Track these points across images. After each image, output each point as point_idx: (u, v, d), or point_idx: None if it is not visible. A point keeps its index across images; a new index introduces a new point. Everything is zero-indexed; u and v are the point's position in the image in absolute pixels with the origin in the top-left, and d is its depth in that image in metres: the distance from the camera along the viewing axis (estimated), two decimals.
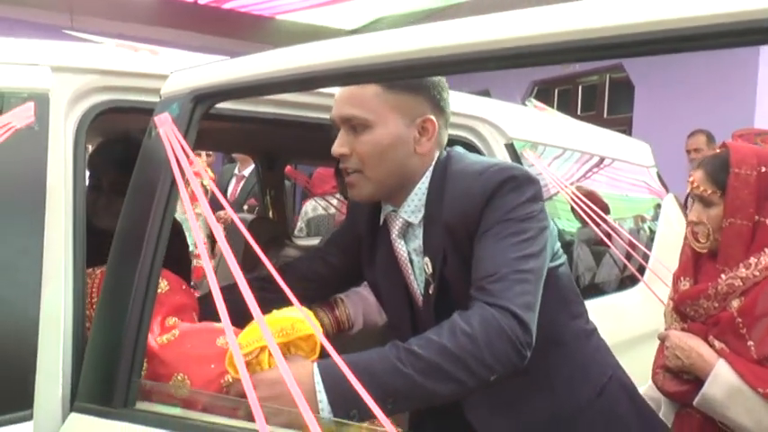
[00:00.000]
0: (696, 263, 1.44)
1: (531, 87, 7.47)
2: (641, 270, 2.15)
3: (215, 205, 4.41)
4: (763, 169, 1.32)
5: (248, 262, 2.43)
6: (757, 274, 1.29)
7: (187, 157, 1.03)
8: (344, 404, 0.95)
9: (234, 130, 2.39)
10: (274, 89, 1.07)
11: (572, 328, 1.29)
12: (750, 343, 1.28)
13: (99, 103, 1.20)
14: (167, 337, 1.12)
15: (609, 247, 2.05)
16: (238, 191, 4.09)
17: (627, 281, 2.29)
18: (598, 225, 1.95)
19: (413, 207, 1.23)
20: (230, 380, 1.04)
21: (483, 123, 1.75)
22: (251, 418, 0.95)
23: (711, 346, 1.35)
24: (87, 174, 1.53)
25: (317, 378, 0.97)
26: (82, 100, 1.18)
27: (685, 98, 5.56)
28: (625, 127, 6.35)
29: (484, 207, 1.13)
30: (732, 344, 1.31)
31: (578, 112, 7.05)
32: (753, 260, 1.31)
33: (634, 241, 2.19)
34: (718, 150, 1.42)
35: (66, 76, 1.15)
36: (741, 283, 1.31)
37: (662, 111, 5.75)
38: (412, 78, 1.18)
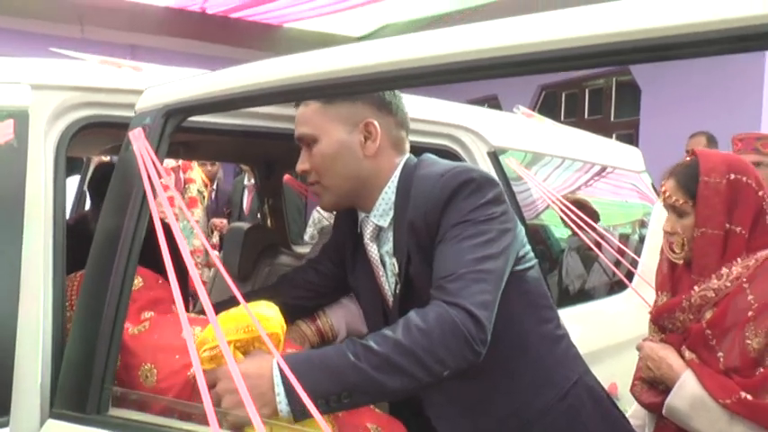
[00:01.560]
0: (673, 274, 1.42)
1: (539, 92, 7.47)
2: (630, 276, 2.15)
3: (214, 212, 4.45)
4: (733, 176, 1.31)
5: (243, 269, 2.48)
6: (729, 284, 1.27)
7: (157, 170, 1.07)
8: (301, 399, 0.96)
9: (230, 141, 2.43)
10: (242, 103, 1.11)
11: (538, 332, 1.30)
12: (720, 354, 1.26)
13: (79, 119, 1.24)
14: (139, 329, 1.17)
15: (596, 253, 2.06)
16: (252, 201, 4.13)
17: (615, 286, 2.29)
18: (585, 232, 1.97)
19: (381, 211, 1.28)
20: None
21: (464, 131, 1.78)
22: (223, 425, 0.99)
23: (683, 356, 1.34)
24: (87, 193, 1.58)
25: (275, 372, 1.00)
26: (62, 116, 1.22)
27: (692, 101, 5.54)
28: (632, 130, 6.33)
29: (443, 209, 1.16)
30: (703, 355, 1.30)
31: (585, 116, 7.04)
32: (725, 270, 1.29)
33: (623, 247, 2.20)
34: (688, 159, 1.41)
35: (45, 93, 1.20)
36: (714, 294, 1.29)
37: (669, 114, 5.72)
38: (380, 90, 1.22)
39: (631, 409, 1.57)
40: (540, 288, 1.33)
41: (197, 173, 4.16)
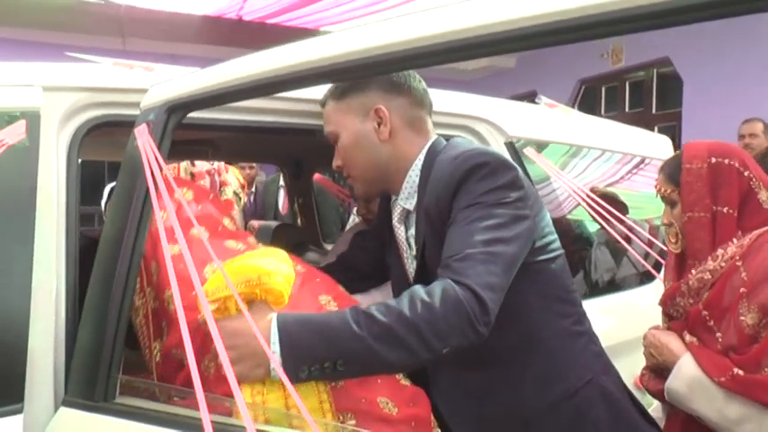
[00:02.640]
0: (677, 264, 1.42)
1: (578, 87, 7.36)
2: (659, 267, 2.10)
3: (253, 214, 4.50)
4: (714, 160, 1.32)
5: None
6: (723, 264, 1.26)
7: (159, 165, 1.09)
8: (296, 360, 0.97)
9: (257, 140, 2.47)
10: (242, 96, 1.12)
11: (553, 326, 1.26)
12: (718, 334, 1.25)
13: (90, 119, 1.28)
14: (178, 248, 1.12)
15: (624, 245, 2.01)
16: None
17: (645, 278, 2.24)
18: (611, 224, 1.93)
19: (406, 194, 1.29)
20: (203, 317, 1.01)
21: (480, 122, 1.76)
22: (220, 412, 1.01)
23: (684, 341, 1.32)
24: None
25: (274, 329, 0.98)
26: (74, 117, 1.26)
27: (736, 91, 5.36)
28: (674, 122, 6.18)
29: (455, 192, 1.15)
30: (703, 337, 1.28)
31: (626, 109, 6.90)
32: (720, 251, 1.28)
33: (652, 239, 2.15)
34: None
35: (56, 94, 1.24)
36: (710, 276, 1.28)
37: (712, 104, 5.56)
38: (380, 75, 1.23)
39: (654, 404, 1.53)
40: (560, 281, 1.29)
41: (233, 175, 4.22)
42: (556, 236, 1.30)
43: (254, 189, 5.04)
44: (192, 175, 3.64)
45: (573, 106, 7.10)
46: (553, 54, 7.39)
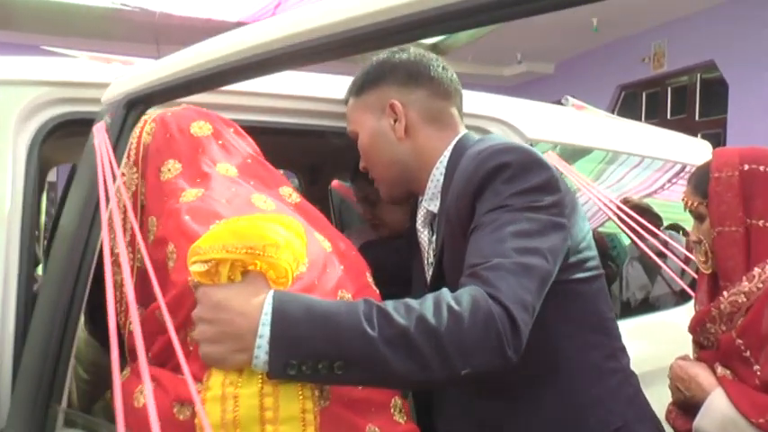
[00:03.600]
0: (709, 286, 1.25)
1: (618, 92, 7.10)
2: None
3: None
4: (746, 167, 1.15)
5: None
6: (761, 286, 1.09)
7: (111, 167, 0.96)
8: (286, 351, 0.77)
9: (270, 144, 2.35)
10: (211, 82, 0.97)
11: (579, 358, 1.08)
12: (756, 367, 1.07)
13: (54, 117, 1.17)
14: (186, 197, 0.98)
15: (654, 260, 1.82)
16: None
17: (683, 296, 2.04)
18: (643, 238, 1.74)
19: (430, 194, 1.16)
20: (194, 281, 0.85)
21: (497, 124, 1.60)
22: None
23: (715, 373, 1.15)
24: None
25: (267, 307, 0.78)
26: (35, 114, 1.15)
27: None
28: (719, 129, 5.88)
29: (477, 193, 0.99)
30: (737, 370, 1.12)
31: (668, 116, 6.61)
32: (756, 271, 1.11)
33: (689, 255, 1.95)
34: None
35: (14, 89, 1.13)
36: (745, 299, 1.11)
37: (760, 111, 5.26)
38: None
39: None
40: (595, 306, 1.11)
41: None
42: (595, 252, 1.13)
43: None
44: None
45: (612, 113, 6.86)
46: (592, 59, 7.18)
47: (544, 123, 1.74)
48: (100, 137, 1.01)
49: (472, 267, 0.91)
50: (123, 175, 1.04)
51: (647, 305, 2.05)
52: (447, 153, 1.14)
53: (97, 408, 2.03)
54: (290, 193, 1.11)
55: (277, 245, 0.80)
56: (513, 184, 0.97)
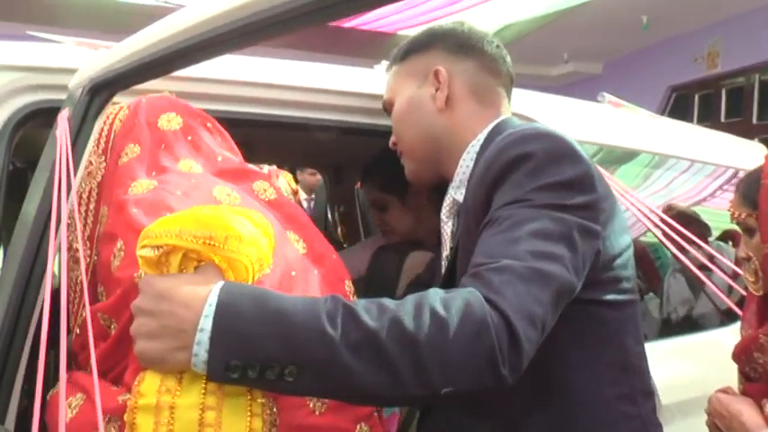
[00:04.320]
0: (759, 309, 1.08)
1: (669, 93, 6.81)
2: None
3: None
4: None
5: None
6: None
7: (69, 158, 0.86)
8: (228, 350, 0.66)
9: (294, 141, 2.26)
10: (179, 62, 0.85)
11: (588, 395, 0.91)
12: None
13: (27, 104, 1.08)
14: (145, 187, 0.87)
15: (699, 275, 1.65)
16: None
17: (728, 316, 1.85)
18: (684, 249, 1.57)
19: (458, 181, 1.03)
20: (141, 274, 0.76)
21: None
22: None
23: (763, 411, 0.99)
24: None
25: (212, 299, 0.66)
26: (6, 101, 1.06)
27: None
28: None
29: (496, 181, 0.85)
30: None
31: (722, 119, 6.30)
32: None
33: (738, 270, 1.76)
34: None
35: None
36: None
37: None
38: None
39: None
40: (618, 336, 0.93)
41: (283, 179, 4.03)
42: (632, 273, 0.95)
43: (312, 196, 4.85)
44: None
45: (663, 115, 6.58)
46: (641, 59, 6.90)
47: (575, 121, 1.59)
48: (62, 125, 0.92)
49: (476, 267, 0.77)
50: (91, 164, 0.94)
51: (689, 323, 1.86)
52: (481, 137, 1.01)
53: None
54: (264, 188, 0.98)
55: (240, 238, 0.70)
56: (538, 176, 0.83)
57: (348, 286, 0.95)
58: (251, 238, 0.71)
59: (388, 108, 1.13)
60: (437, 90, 1.04)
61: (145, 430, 0.67)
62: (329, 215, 3.79)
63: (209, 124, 1.01)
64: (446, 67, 1.04)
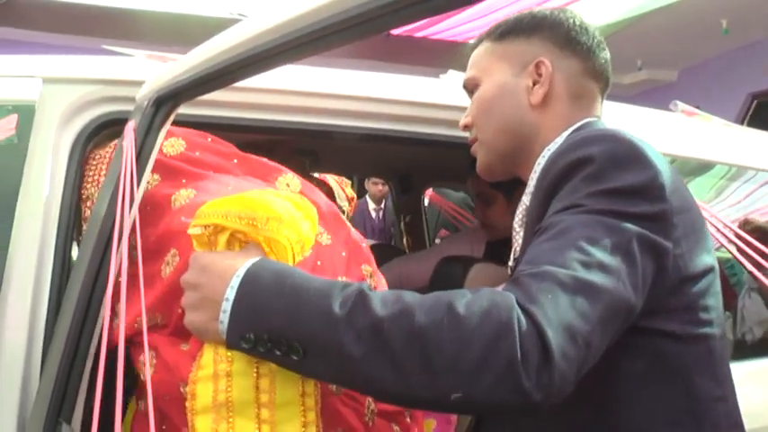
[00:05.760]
0: None
1: (749, 101, 6.50)
2: None
3: (381, 232, 4.25)
4: None
5: None
6: None
7: (135, 169, 0.89)
8: (243, 321, 0.68)
9: (360, 151, 2.28)
10: (241, 72, 0.85)
11: None
12: None
13: (100, 116, 1.13)
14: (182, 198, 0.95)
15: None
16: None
17: None
18: (760, 267, 1.49)
19: (532, 186, 0.94)
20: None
21: None
22: None
23: None
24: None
25: (240, 272, 0.70)
26: (80, 112, 1.12)
27: None
28: None
29: (551, 190, 0.81)
30: None
31: None
32: None
33: None
34: None
35: (58, 87, 1.10)
36: None
37: None
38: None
39: None
40: (687, 378, 0.81)
41: (338, 187, 4.07)
42: (714, 303, 0.84)
43: (382, 206, 4.86)
44: None
45: (742, 124, 6.28)
46: (719, 65, 6.62)
47: (643, 130, 1.53)
48: (128, 136, 0.95)
49: (517, 272, 0.72)
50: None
51: (767, 345, 1.76)
52: (559, 140, 0.94)
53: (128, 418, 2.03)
54: (287, 182, 1.02)
55: (280, 219, 0.74)
56: (597, 181, 0.76)
57: (365, 270, 0.97)
58: (291, 219, 0.75)
59: (469, 86, 1.05)
60: (535, 84, 0.97)
61: (204, 398, 0.72)
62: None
63: (209, 138, 1.05)
64: (550, 60, 0.97)
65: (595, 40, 1.00)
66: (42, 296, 1.02)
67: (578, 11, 1.01)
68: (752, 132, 2.04)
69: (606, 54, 1.02)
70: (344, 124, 1.29)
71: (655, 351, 0.80)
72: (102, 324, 0.84)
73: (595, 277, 0.69)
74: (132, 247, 0.87)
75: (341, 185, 3.97)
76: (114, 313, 0.86)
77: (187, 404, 0.74)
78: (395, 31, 7.56)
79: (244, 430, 0.71)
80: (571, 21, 1.00)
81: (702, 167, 1.73)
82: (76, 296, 0.89)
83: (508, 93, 0.98)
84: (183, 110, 1.06)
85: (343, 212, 4.03)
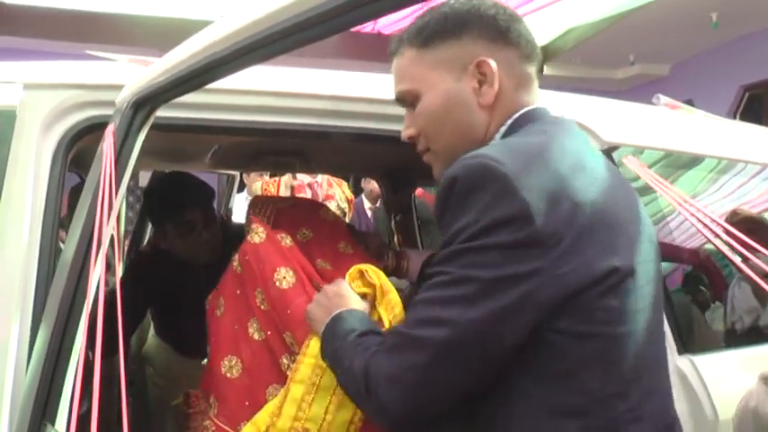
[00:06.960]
0: None
1: (741, 94, 6.52)
2: None
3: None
4: None
5: None
6: None
7: (113, 172, 0.90)
8: (326, 335, 1.01)
9: (348, 151, 2.28)
10: (215, 73, 0.85)
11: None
12: None
13: (81, 121, 1.13)
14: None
15: (765, 286, 1.57)
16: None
17: None
18: (749, 258, 1.49)
19: None
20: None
21: None
22: None
23: None
24: None
25: (344, 307, 1.03)
26: (62, 117, 1.12)
27: None
28: None
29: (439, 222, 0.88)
30: None
31: None
32: None
33: None
34: None
35: (39, 92, 1.11)
36: None
37: None
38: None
39: None
40: (579, 372, 0.83)
41: (338, 188, 4.09)
42: (627, 302, 0.84)
43: (377, 205, 4.86)
44: (293, 188, 3.51)
45: (734, 117, 6.29)
46: (711, 59, 6.64)
47: (627, 124, 1.54)
48: (108, 139, 0.96)
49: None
50: None
51: (757, 334, 1.77)
52: (503, 128, 0.94)
53: (169, 413, 2.03)
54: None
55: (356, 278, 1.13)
56: (456, 213, 0.83)
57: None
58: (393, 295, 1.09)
59: (408, 99, 0.99)
60: (481, 84, 0.94)
61: (304, 374, 1.07)
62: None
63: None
64: (489, 57, 0.93)
65: (521, 22, 0.97)
66: (27, 299, 1.02)
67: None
68: (740, 125, 2.06)
69: (526, 26, 0.98)
70: (329, 124, 1.30)
71: (543, 346, 0.82)
72: (85, 324, 0.84)
73: (423, 332, 0.83)
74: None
75: (340, 187, 4.00)
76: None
77: (288, 373, 1.13)
78: (385, 31, 7.61)
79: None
80: (493, 9, 0.96)
81: (692, 161, 1.74)
82: (59, 298, 0.89)
83: (455, 100, 0.95)
84: (181, 113, 1.09)
85: (344, 213, 4.05)
